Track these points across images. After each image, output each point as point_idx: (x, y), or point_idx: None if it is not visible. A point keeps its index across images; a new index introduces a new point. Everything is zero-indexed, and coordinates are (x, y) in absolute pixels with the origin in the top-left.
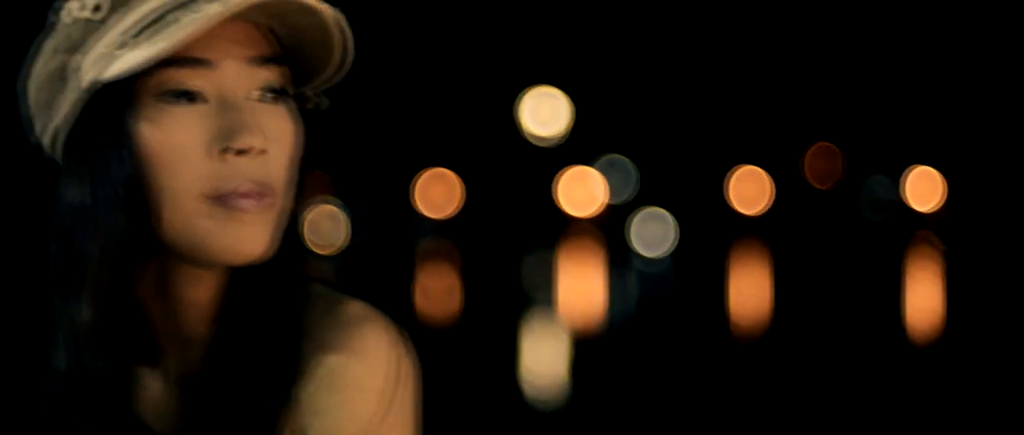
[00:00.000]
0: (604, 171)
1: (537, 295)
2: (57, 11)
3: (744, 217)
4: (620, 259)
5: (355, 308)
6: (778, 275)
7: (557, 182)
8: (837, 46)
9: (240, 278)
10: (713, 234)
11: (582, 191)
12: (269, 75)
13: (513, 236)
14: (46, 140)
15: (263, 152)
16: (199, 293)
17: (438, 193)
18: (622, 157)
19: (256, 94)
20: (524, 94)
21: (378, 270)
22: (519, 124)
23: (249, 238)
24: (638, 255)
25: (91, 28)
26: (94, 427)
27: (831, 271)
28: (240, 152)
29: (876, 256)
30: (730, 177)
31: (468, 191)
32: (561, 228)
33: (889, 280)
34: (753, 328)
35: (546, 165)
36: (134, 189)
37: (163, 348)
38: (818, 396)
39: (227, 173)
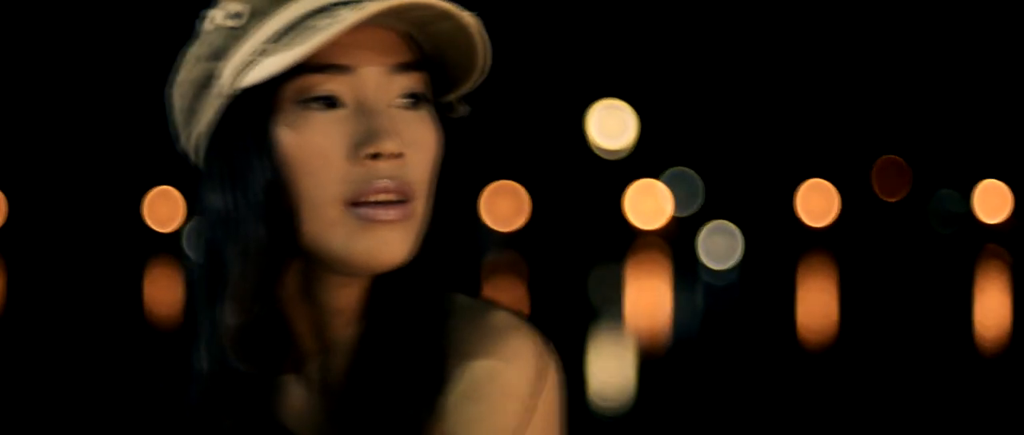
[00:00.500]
0: (670, 184)
1: (604, 308)
2: (202, 19)
3: (811, 229)
4: (687, 271)
5: (500, 317)
6: (845, 288)
7: (624, 195)
8: (907, 60)
9: (383, 285)
10: (780, 246)
11: (649, 204)
12: (408, 81)
13: (580, 249)
14: (190, 147)
15: (400, 157)
16: (340, 299)
17: (505, 206)
18: (688, 170)
19: (395, 100)
20: (591, 107)
21: (445, 283)
22: (586, 137)
23: (388, 246)
24: (705, 267)
25: (233, 35)
26: (237, 432)
27: (899, 284)
28: (377, 156)
29: (945, 269)
30: (797, 190)
31: (535, 204)
32: (628, 241)
33: (958, 292)
34: (821, 341)
35: (613, 178)
36: (274, 195)
37: (305, 354)
38: (886, 409)
39: (365, 177)
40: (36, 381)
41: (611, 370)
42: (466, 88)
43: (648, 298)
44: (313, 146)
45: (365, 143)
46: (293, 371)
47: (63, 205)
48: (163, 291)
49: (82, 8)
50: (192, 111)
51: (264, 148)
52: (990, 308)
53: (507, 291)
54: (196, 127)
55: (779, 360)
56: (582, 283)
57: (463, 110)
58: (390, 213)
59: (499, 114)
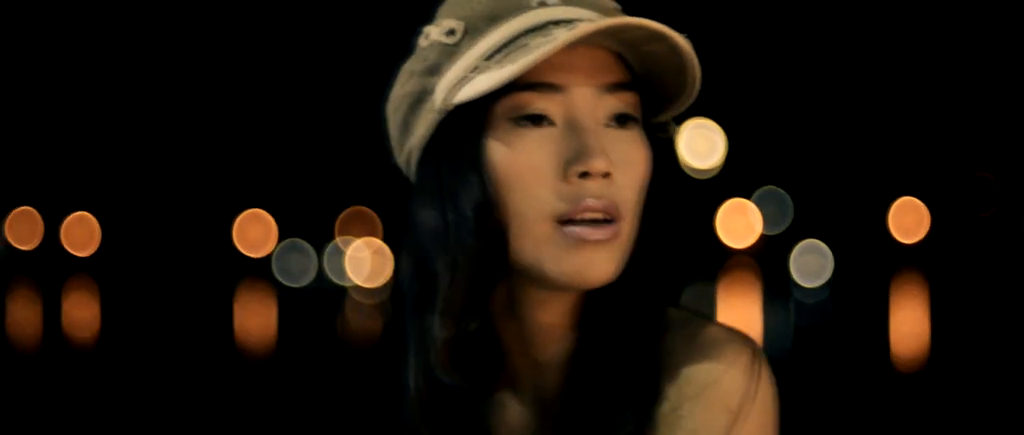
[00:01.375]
0: (760, 203)
1: None
2: (418, 35)
3: (902, 246)
4: (778, 290)
5: (716, 331)
6: (937, 305)
7: (715, 214)
8: (997, 77)
9: (595, 301)
10: (871, 263)
11: (739, 222)
12: (618, 102)
13: (672, 268)
14: (402, 162)
15: (608, 175)
16: (548, 315)
17: None
18: (778, 188)
19: (605, 120)
20: (680, 127)
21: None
22: (675, 157)
23: (596, 265)
24: (797, 285)
25: (447, 52)
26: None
27: (992, 299)
28: (586, 175)
29: None
30: (888, 206)
31: None
32: (720, 260)
33: None
34: (913, 358)
35: (703, 197)
36: (485, 211)
37: (517, 369)
38: (980, 428)
39: (575, 196)
40: (129, 406)
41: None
42: (677, 109)
43: (740, 316)
44: (524, 163)
45: (575, 161)
46: (506, 386)
47: (154, 229)
48: (253, 316)
49: (171, 33)
50: (406, 125)
51: (476, 164)
52: None
53: None
54: (409, 141)
55: (871, 377)
56: (675, 303)
57: (673, 130)
58: (598, 233)
59: None
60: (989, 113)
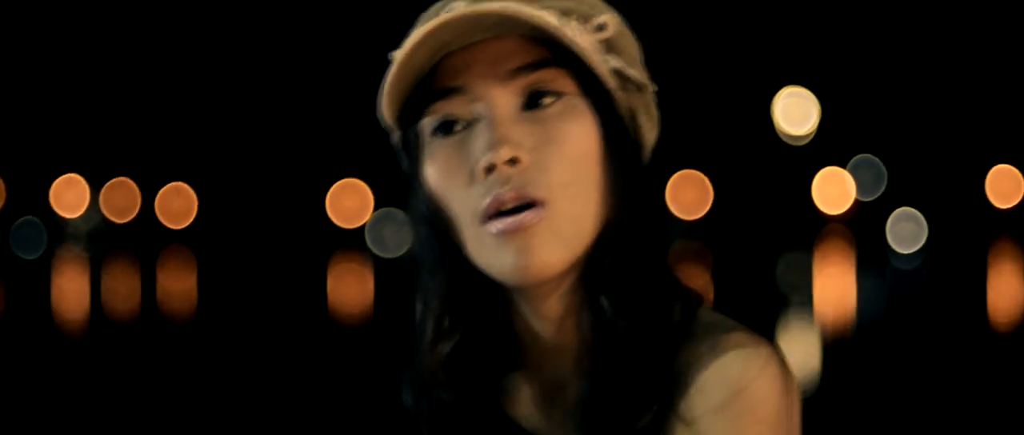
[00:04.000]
0: (854, 171)
1: (793, 294)
2: None
3: (998, 212)
4: (874, 256)
5: (740, 338)
6: None
7: (812, 182)
8: None
9: (590, 289)
10: (967, 229)
11: (834, 190)
12: (528, 83)
13: (766, 236)
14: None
15: (517, 161)
16: (547, 307)
17: (690, 194)
18: (872, 156)
19: (519, 105)
20: (776, 96)
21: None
22: (771, 125)
23: (528, 253)
24: (892, 251)
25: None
26: (472, 429)
27: None
28: (492, 168)
29: None
30: (984, 173)
31: (718, 192)
32: (816, 227)
33: None
34: (1010, 322)
35: (799, 165)
36: (437, 224)
37: (535, 360)
38: None
39: (487, 191)
40: (225, 375)
41: (800, 356)
42: (604, 74)
43: (836, 283)
44: (443, 174)
45: (479, 159)
46: (525, 375)
47: (250, 200)
48: (347, 287)
49: (265, 7)
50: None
51: (420, 185)
52: None
53: (693, 280)
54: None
55: (968, 343)
56: (770, 270)
57: (640, 85)
58: (515, 221)
59: (684, 104)
60: None
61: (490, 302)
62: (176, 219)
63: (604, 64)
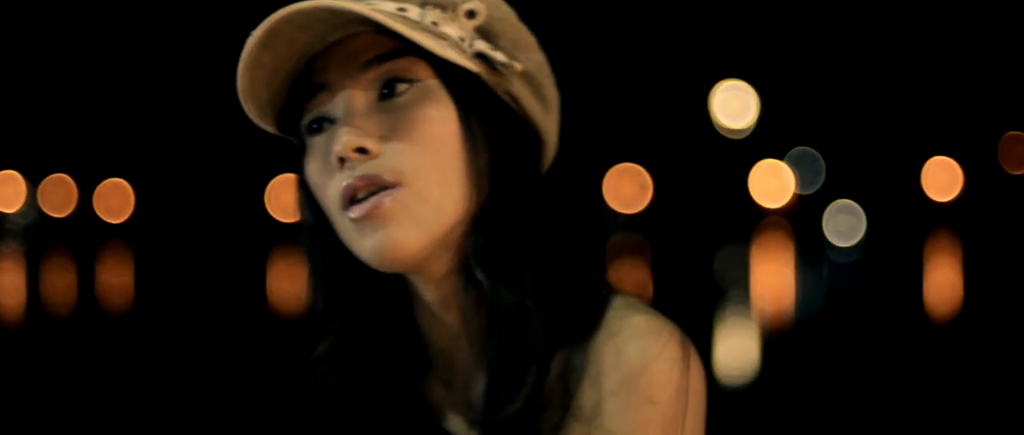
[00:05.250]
0: (793, 163)
1: (731, 287)
2: None
3: (936, 205)
4: (812, 250)
5: (639, 321)
6: (970, 262)
7: (750, 175)
8: None
9: (469, 269)
10: (905, 222)
11: (773, 183)
12: (381, 73)
13: (705, 229)
14: None
15: (367, 152)
16: (433, 293)
17: (628, 188)
18: (811, 149)
19: (376, 95)
20: (714, 89)
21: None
22: (709, 119)
23: (383, 239)
24: (830, 245)
25: None
26: (378, 415)
27: None
28: (344, 161)
29: None
30: (920, 166)
31: (658, 185)
32: (754, 220)
33: None
34: (947, 315)
35: (737, 158)
36: (319, 219)
37: (439, 351)
38: (1013, 383)
39: (342, 181)
40: (163, 371)
41: (738, 349)
42: (452, 57)
43: (774, 277)
44: (314, 172)
45: (333, 153)
46: (435, 364)
47: (188, 196)
48: (286, 281)
49: (202, 2)
50: None
51: (301, 181)
52: None
53: (632, 273)
54: None
55: (905, 335)
56: (709, 263)
57: (504, 66)
58: (366, 207)
59: (622, 98)
60: (1021, 72)
61: (386, 294)
62: (114, 214)
63: (462, 51)
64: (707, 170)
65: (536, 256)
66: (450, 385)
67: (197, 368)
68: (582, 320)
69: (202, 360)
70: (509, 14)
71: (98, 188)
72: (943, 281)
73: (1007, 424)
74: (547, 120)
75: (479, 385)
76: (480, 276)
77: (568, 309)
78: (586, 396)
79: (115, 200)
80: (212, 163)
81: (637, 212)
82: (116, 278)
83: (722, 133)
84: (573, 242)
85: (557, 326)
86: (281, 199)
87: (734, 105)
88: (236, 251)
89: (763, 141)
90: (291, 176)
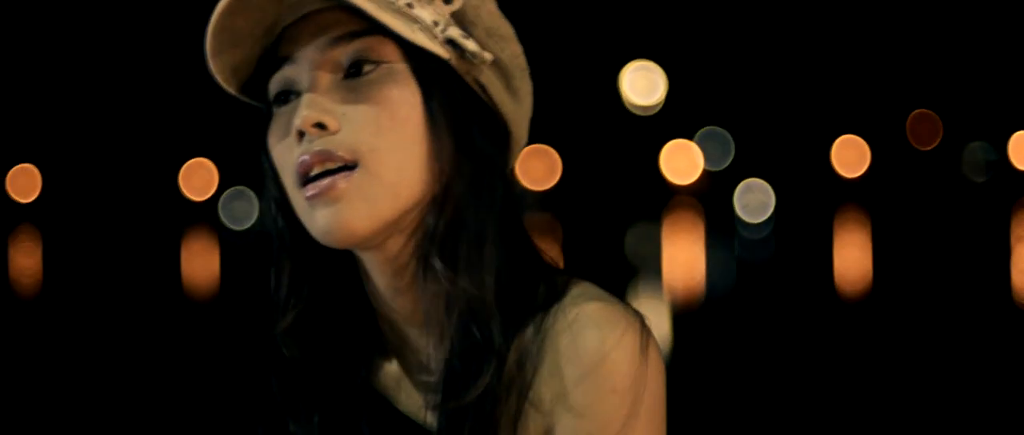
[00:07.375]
0: (702, 143)
1: (642, 265)
2: None
3: (844, 181)
4: (722, 227)
5: (599, 309)
6: (879, 238)
7: (660, 154)
8: (936, 13)
9: (424, 252)
10: (814, 199)
11: (682, 162)
12: (346, 52)
13: (616, 207)
14: None
15: (323, 126)
16: (385, 274)
17: (537, 166)
18: (720, 129)
19: (341, 72)
20: (623, 70)
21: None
22: (618, 99)
23: (334, 217)
24: (741, 222)
25: None
26: (334, 399)
27: (934, 233)
28: (303, 136)
29: (979, 217)
30: (829, 144)
31: (566, 164)
32: (664, 198)
33: (993, 241)
34: (856, 291)
35: (647, 137)
36: (279, 192)
37: (392, 331)
38: (922, 359)
39: (297, 157)
40: (73, 353)
41: (650, 327)
42: (421, 41)
43: (685, 254)
44: (274, 143)
45: (293, 125)
46: (390, 347)
47: (97, 177)
48: (200, 261)
49: None
50: None
51: (265, 152)
52: None
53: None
54: None
55: (815, 310)
56: (619, 241)
57: (475, 55)
58: (319, 185)
59: (531, 77)
60: (928, 50)
61: (342, 271)
62: (23, 193)
63: (433, 36)
64: (617, 148)
65: (495, 246)
66: (405, 366)
67: (108, 349)
68: (539, 309)
69: (113, 341)
70: (487, 2)
71: (10, 172)
72: (852, 257)
73: (914, 398)
74: (517, 112)
75: (435, 370)
76: (438, 266)
77: (526, 299)
78: (545, 386)
79: (22, 181)
80: (124, 144)
81: (547, 189)
82: (25, 259)
83: (632, 111)
84: (526, 230)
85: (515, 317)
86: (194, 180)
87: (643, 84)
88: (149, 232)
89: (672, 120)
90: (204, 160)
